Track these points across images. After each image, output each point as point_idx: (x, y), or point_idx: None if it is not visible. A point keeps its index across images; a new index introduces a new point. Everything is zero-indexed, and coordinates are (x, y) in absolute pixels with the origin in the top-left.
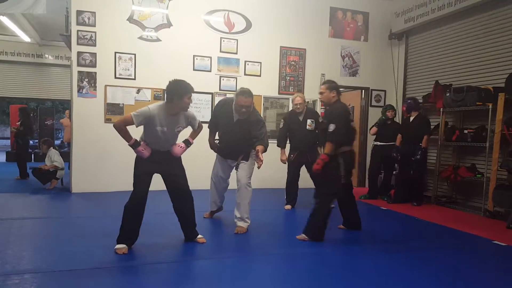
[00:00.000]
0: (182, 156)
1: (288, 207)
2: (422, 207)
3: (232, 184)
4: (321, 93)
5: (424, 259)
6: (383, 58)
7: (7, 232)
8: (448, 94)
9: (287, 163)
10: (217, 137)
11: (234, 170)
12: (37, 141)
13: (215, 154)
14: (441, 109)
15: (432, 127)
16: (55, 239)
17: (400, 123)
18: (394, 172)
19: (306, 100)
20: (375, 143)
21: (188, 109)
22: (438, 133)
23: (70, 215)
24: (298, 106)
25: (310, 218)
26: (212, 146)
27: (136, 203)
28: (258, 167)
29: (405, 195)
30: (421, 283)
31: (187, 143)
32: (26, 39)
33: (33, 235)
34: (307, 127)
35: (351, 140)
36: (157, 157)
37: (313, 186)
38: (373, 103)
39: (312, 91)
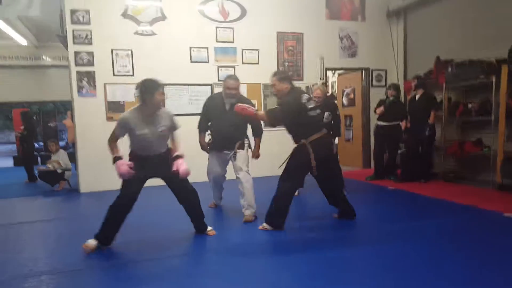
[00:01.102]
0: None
1: (295, 193)
2: (430, 184)
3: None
4: (273, 85)
5: (439, 236)
6: (382, 37)
7: (21, 235)
8: (450, 70)
9: None
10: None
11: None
12: (42, 143)
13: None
14: (444, 84)
15: None
16: (69, 239)
17: (403, 102)
18: (399, 151)
19: (306, 85)
20: (378, 123)
21: (166, 109)
22: (442, 109)
23: (81, 215)
24: (317, 100)
25: (271, 206)
26: (204, 146)
27: (121, 205)
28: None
29: (412, 173)
30: (442, 260)
31: (182, 156)
32: (23, 42)
33: (47, 236)
34: (324, 120)
35: (314, 129)
36: (148, 162)
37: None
38: (374, 83)
39: (312, 76)
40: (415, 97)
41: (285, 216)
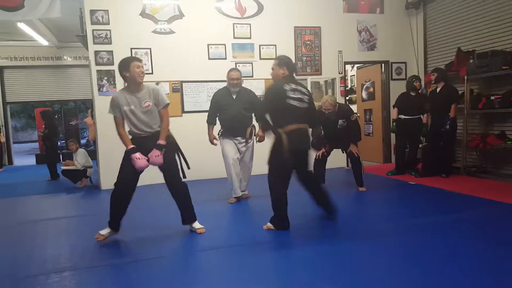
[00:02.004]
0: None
1: None
2: (452, 179)
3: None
4: (272, 69)
5: (460, 231)
6: (401, 29)
7: (44, 232)
8: (471, 61)
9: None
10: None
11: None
12: (64, 142)
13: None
14: (465, 76)
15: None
16: (91, 236)
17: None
18: (420, 146)
19: (325, 79)
20: (399, 116)
21: (151, 84)
22: (464, 101)
23: (102, 211)
24: (326, 108)
25: (272, 206)
26: (212, 138)
27: (118, 191)
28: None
29: (433, 168)
30: (463, 255)
31: (160, 147)
32: (44, 43)
33: (69, 233)
34: (338, 126)
35: (291, 119)
36: (143, 144)
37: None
38: (394, 76)
39: (330, 70)
40: (436, 90)
41: (282, 213)
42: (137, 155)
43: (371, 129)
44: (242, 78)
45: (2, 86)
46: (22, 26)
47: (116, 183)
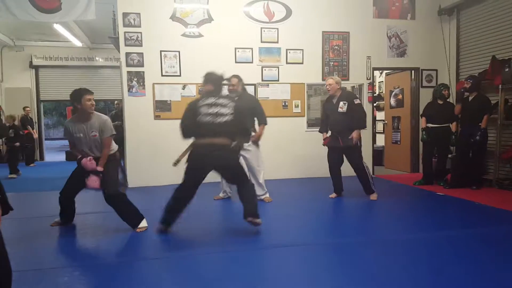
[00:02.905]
0: None
1: (333, 195)
2: (482, 191)
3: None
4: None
5: (489, 245)
6: (432, 36)
7: (71, 227)
8: (507, 69)
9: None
10: None
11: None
12: None
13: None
14: (500, 86)
15: None
16: (116, 232)
17: (455, 103)
18: (449, 156)
19: (352, 85)
20: (427, 125)
21: (102, 116)
22: (498, 112)
23: None
24: (328, 88)
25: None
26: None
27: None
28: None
29: (463, 179)
30: (499, 271)
31: (97, 173)
32: (78, 44)
33: (95, 228)
34: (339, 109)
35: (203, 133)
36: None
37: (354, 173)
38: (424, 83)
39: (358, 75)
40: (467, 98)
41: (170, 218)
42: (83, 160)
43: (399, 137)
44: (268, 82)
45: (37, 85)
46: (58, 27)
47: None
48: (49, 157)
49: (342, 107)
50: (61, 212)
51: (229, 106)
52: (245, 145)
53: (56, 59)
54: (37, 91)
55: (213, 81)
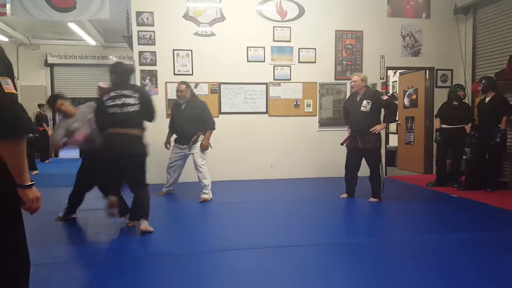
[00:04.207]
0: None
1: (344, 196)
2: (498, 194)
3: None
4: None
5: (503, 249)
6: (448, 35)
7: (85, 222)
8: None
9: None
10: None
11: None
12: None
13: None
14: None
15: None
16: (130, 229)
17: (470, 104)
18: (464, 157)
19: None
20: (441, 126)
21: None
22: None
23: None
24: (353, 84)
25: None
26: (166, 143)
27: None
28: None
29: (478, 181)
30: (504, 274)
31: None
32: (92, 42)
33: (109, 224)
34: (362, 108)
35: (111, 124)
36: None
37: (368, 174)
38: (439, 83)
39: (371, 75)
40: (484, 100)
41: (71, 207)
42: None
43: (412, 138)
44: (280, 81)
45: (51, 82)
46: (72, 26)
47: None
48: (63, 153)
49: (366, 106)
50: (70, 207)
51: (134, 96)
52: (193, 146)
53: (70, 57)
54: (52, 89)
55: (117, 72)
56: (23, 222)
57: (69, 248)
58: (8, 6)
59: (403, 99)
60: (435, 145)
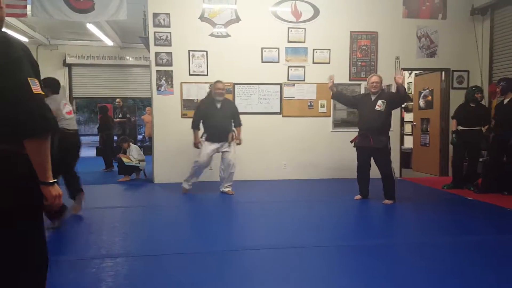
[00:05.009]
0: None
1: (358, 197)
2: None
3: None
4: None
5: None
6: (464, 36)
7: (101, 219)
8: None
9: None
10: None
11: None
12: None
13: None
14: None
15: None
16: (142, 226)
17: (487, 106)
18: (480, 159)
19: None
20: (458, 128)
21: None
22: None
23: (154, 204)
24: (375, 85)
25: None
26: (198, 143)
27: None
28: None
29: (495, 184)
30: None
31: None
32: (110, 43)
33: (123, 222)
34: (376, 107)
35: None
36: None
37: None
38: (455, 85)
39: (386, 76)
40: (503, 102)
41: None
42: None
43: (427, 139)
44: (294, 82)
45: (70, 82)
46: (90, 27)
47: None
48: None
49: (380, 105)
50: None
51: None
52: (225, 144)
53: (88, 57)
54: (70, 89)
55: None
56: (43, 218)
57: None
58: (28, 7)
59: (418, 100)
60: (451, 147)
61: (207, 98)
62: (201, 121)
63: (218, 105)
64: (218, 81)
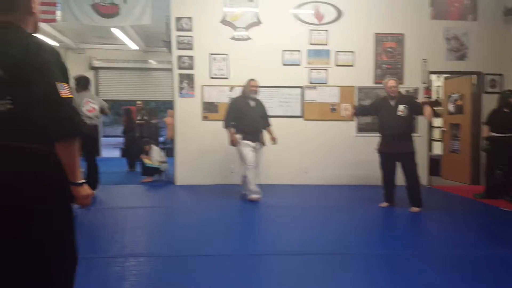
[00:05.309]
0: None
1: (384, 204)
2: None
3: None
4: None
5: None
6: (497, 38)
7: (124, 219)
8: None
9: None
10: None
11: None
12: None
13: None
14: None
15: None
16: (164, 227)
17: None
18: None
19: (406, 89)
20: (491, 134)
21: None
22: None
23: (175, 205)
24: (393, 89)
25: None
26: (235, 141)
27: None
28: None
29: None
30: None
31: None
32: (134, 47)
33: (145, 222)
34: (398, 112)
35: None
36: None
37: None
38: (487, 89)
39: (413, 79)
40: None
41: None
42: None
43: (458, 146)
44: (316, 85)
45: (96, 85)
46: (115, 31)
47: None
48: (105, 153)
49: (403, 110)
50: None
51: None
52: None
53: (113, 61)
54: (96, 92)
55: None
56: (73, 216)
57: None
58: (58, 12)
59: (448, 105)
60: (483, 154)
61: (239, 97)
62: (232, 120)
63: (252, 104)
64: (252, 79)
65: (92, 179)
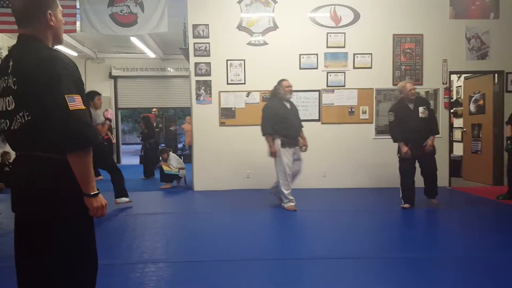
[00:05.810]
0: None
1: (406, 205)
2: None
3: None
4: None
5: None
6: None
7: (144, 225)
8: None
9: (398, 158)
10: None
11: None
12: (164, 145)
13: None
14: None
15: None
16: (183, 232)
17: None
18: None
19: (426, 90)
20: None
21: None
22: None
23: (194, 211)
24: (414, 91)
25: None
26: (274, 150)
27: None
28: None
29: None
30: None
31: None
32: (152, 55)
33: (164, 228)
34: (420, 115)
35: None
36: None
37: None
38: (510, 88)
39: (433, 80)
40: None
41: None
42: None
43: (479, 146)
44: (334, 88)
45: (115, 93)
46: (134, 40)
47: None
48: (124, 160)
49: (423, 112)
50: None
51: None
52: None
53: (132, 70)
54: (115, 100)
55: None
56: (93, 223)
57: (107, 250)
58: (77, 23)
59: (469, 105)
60: (506, 154)
61: (274, 100)
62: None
63: (288, 105)
64: (284, 79)
65: (116, 188)
